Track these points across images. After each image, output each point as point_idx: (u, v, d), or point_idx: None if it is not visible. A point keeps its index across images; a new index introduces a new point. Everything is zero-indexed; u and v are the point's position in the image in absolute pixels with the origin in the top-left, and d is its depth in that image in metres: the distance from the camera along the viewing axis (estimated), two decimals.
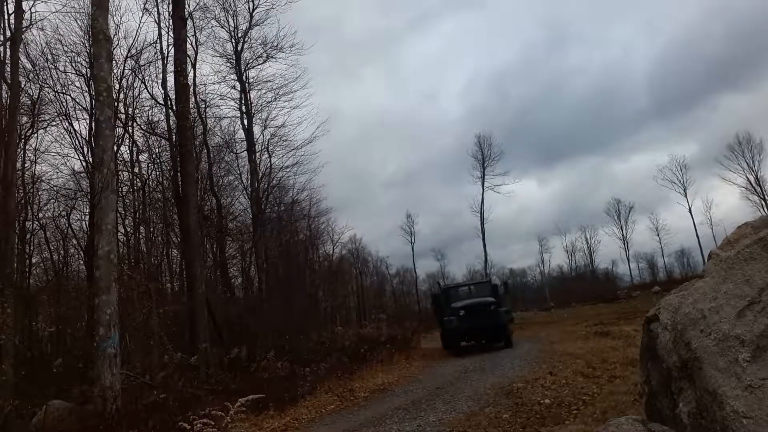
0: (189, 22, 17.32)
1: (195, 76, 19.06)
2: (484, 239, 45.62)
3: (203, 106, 20.02)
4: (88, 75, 16.23)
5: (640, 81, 77.75)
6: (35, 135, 17.56)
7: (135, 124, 18.86)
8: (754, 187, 44.58)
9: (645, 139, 77.75)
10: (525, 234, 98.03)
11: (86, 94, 16.77)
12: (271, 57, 22.12)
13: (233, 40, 21.65)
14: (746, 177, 44.95)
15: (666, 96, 73.97)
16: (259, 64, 22.28)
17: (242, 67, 21.73)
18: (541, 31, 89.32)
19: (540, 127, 79.37)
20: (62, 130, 17.42)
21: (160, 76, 18.07)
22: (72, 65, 16.92)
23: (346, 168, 70.48)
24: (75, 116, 17.29)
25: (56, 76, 16.73)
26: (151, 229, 20.04)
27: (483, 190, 45.52)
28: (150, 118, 18.97)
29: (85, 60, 16.72)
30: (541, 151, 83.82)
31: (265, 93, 22.49)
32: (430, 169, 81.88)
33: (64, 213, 18.49)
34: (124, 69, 17.61)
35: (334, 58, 72.07)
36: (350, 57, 77.65)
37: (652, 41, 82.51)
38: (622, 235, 56.81)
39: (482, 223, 45.36)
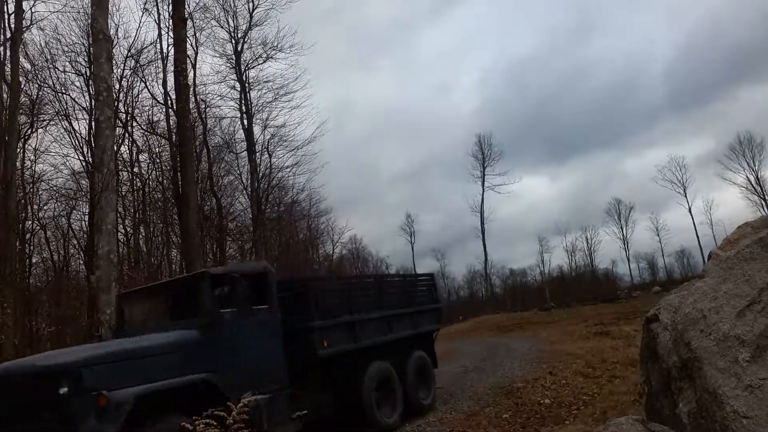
0: (189, 22, 17.30)
1: (195, 76, 19.06)
2: (483, 239, 45.82)
3: (203, 106, 20.02)
4: (88, 75, 16.25)
5: (660, 71, 73.52)
6: (35, 135, 17.60)
7: (135, 124, 18.90)
8: (754, 187, 44.68)
9: (660, 133, 73.30)
10: (533, 233, 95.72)
11: (86, 93, 16.81)
12: (271, 57, 22.10)
13: (233, 41, 21.64)
14: (746, 177, 45.07)
15: (685, 88, 70.29)
16: (259, 65, 22.26)
17: (242, 67, 21.72)
18: (568, 18, 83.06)
19: (556, 122, 74.22)
20: (62, 130, 17.46)
21: (160, 75, 18.09)
22: (71, 65, 16.95)
23: (353, 164, 68.66)
24: (75, 116, 17.33)
25: (56, 76, 16.76)
26: (151, 229, 20.05)
27: (483, 190, 45.68)
28: (150, 118, 19.00)
29: (84, 60, 16.75)
30: (555, 146, 78.59)
31: (265, 93, 22.48)
32: (438, 165, 78.05)
33: (64, 213, 18.51)
34: (124, 69, 17.65)
35: (350, 46, 70.96)
36: (367, 45, 75.48)
37: (675, 28, 77.90)
38: (623, 235, 56.80)
39: (482, 223, 45.57)
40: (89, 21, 12.95)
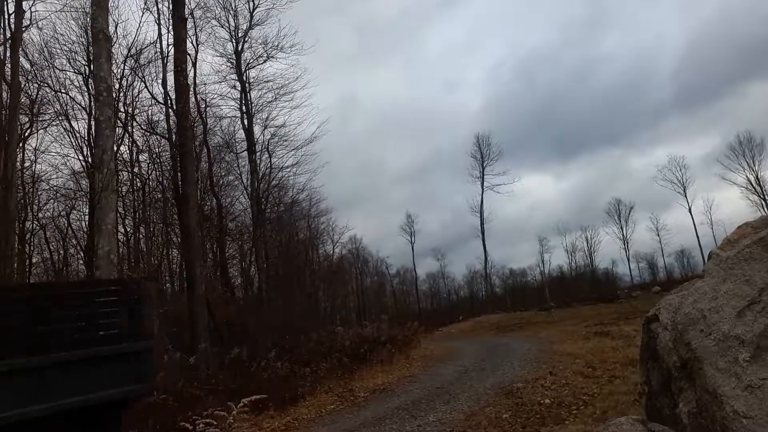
0: (189, 21, 17.32)
1: (195, 75, 19.08)
2: (483, 239, 45.85)
3: (203, 105, 20.03)
4: (87, 73, 16.25)
5: (669, 68, 73.81)
6: (35, 135, 17.61)
7: (135, 124, 18.91)
8: (754, 187, 44.70)
9: (668, 131, 73.43)
10: (534, 233, 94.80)
11: (85, 93, 16.81)
12: (272, 57, 22.17)
13: (234, 40, 21.68)
14: (746, 177, 45.10)
15: (694, 85, 70.46)
16: (259, 64, 22.33)
17: (243, 67, 21.76)
18: (578, 13, 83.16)
19: (563, 119, 74.95)
20: (62, 130, 17.46)
21: (160, 75, 18.10)
22: (71, 64, 16.96)
23: (355, 162, 68.66)
24: (74, 116, 17.33)
25: (55, 75, 16.77)
26: (151, 229, 20.06)
27: (482, 190, 45.74)
28: (150, 118, 19.01)
29: (83, 59, 16.75)
30: (561, 144, 78.69)
31: (265, 93, 22.56)
32: (440, 164, 77.97)
33: (64, 213, 18.52)
34: (124, 68, 17.66)
35: (356, 41, 70.81)
36: (373, 41, 75.76)
37: (686, 23, 78.11)
38: (623, 235, 56.83)
39: (482, 224, 45.62)
40: (89, 20, 12.95)
